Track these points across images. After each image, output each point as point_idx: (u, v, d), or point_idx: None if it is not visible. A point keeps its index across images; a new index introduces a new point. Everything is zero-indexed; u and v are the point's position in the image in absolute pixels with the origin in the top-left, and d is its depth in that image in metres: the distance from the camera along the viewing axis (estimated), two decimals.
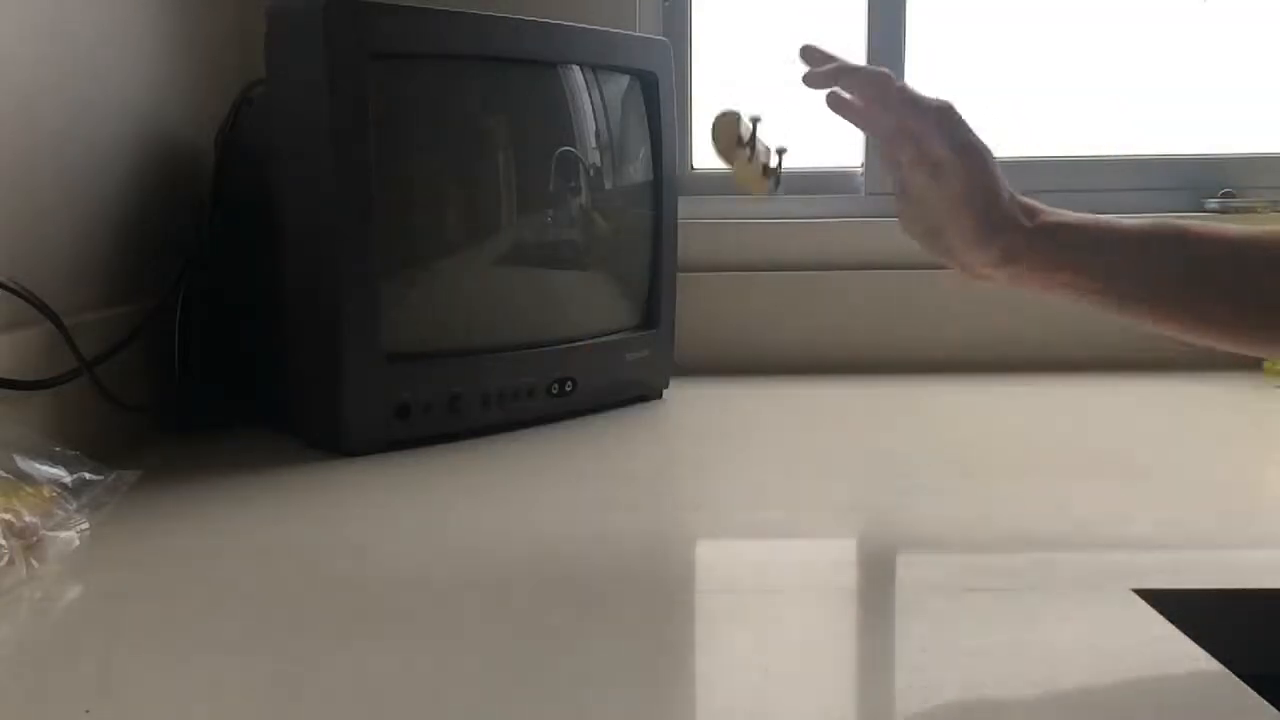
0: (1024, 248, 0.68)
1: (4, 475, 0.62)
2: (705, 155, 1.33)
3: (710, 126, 0.74)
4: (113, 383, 0.84)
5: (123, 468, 0.70)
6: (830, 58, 0.74)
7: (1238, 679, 0.47)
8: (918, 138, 0.69)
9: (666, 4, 1.30)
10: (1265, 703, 0.45)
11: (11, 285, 0.75)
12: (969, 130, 0.70)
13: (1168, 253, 0.67)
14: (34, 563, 0.60)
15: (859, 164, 1.32)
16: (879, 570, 0.64)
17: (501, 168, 0.95)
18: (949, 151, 0.69)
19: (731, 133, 0.73)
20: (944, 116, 0.70)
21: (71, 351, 0.79)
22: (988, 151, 0.70)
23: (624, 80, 1.02)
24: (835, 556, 0.67)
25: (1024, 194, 0.70)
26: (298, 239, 0.88)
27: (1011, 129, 1.33)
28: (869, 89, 0.71)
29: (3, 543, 0.59)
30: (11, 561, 0.59)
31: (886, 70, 0.71)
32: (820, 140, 1.34)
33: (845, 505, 0.76)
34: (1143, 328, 0.69)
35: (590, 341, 1.00)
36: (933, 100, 0.70)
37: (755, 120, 0.75)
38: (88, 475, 0.67)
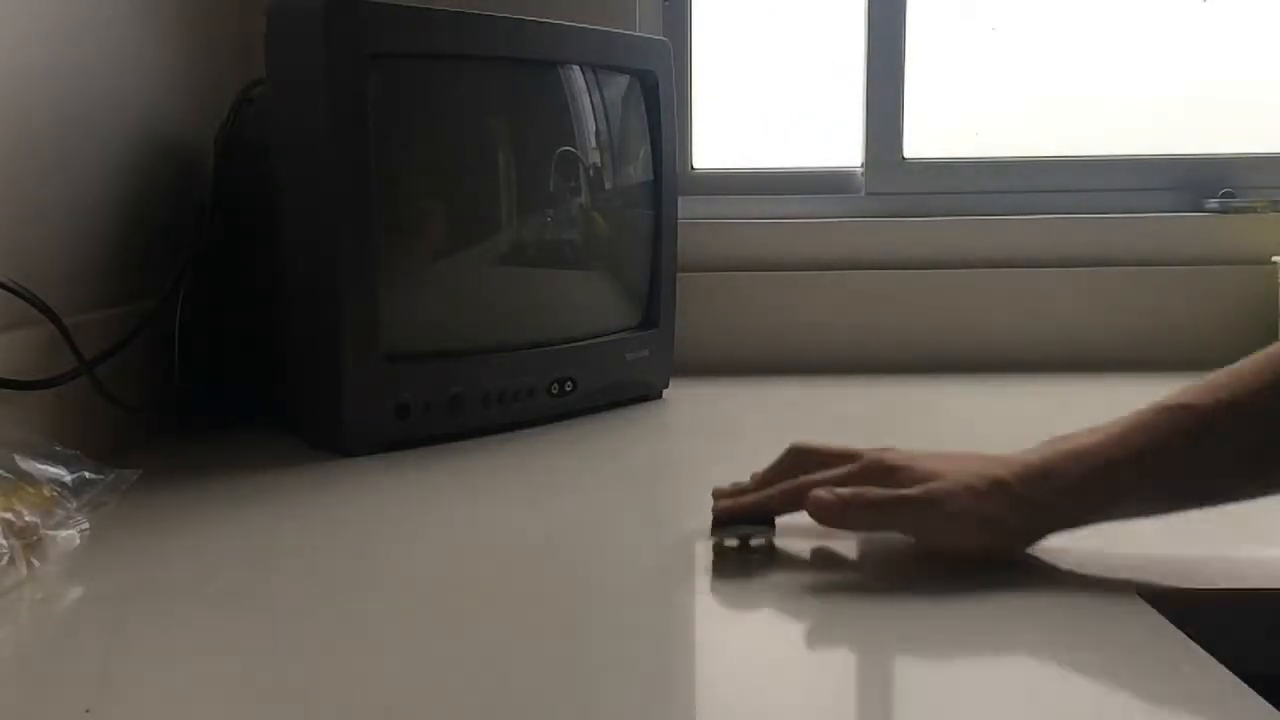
0: (1049, 533, 0.61)
1: (4, 475, 0.62)
2: (705, 155, 1.33)
3: None
4: (113, 383, 0.84)
5: (123, 468, 0.70)
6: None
7: (1238, 679, 0.47)
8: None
9: (666, 4, 1.30)
10: (1266, 703, 0.45)
11: (11, 285, 0.75)
12: (906, 523, 0.62)
13: (1189, 458, 0.58)
14: (34, 562, 0.60)
15: (859, 164, 1.32)
16: (878, 570, 0.64)
17: (501, 168, 0.95)
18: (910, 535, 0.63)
19: None
20: (873, 525, 0.63)
21: (71, 351, 0.79)
22: (939, 510, 0.59)
23: (624, 80, 1.02)
24: (835, 556, 0.67)
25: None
26: (297, 238, 0.88)
27: (1012, 129, 1.34)
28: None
29: (3, 542, 0.59)
30: (12, 561, 0.59)
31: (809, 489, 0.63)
32: (820, 140, 1.34)
33: None
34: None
35: (590, 341, 1.00)
36: (852, 515, 0.62)
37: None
38: (88, 474, 0.67)
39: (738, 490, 0.68)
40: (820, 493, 0.61)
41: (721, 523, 0.65)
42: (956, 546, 0.60)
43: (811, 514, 0.62)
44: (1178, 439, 0.58)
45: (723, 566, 0.62)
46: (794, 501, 0.63)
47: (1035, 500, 0.59)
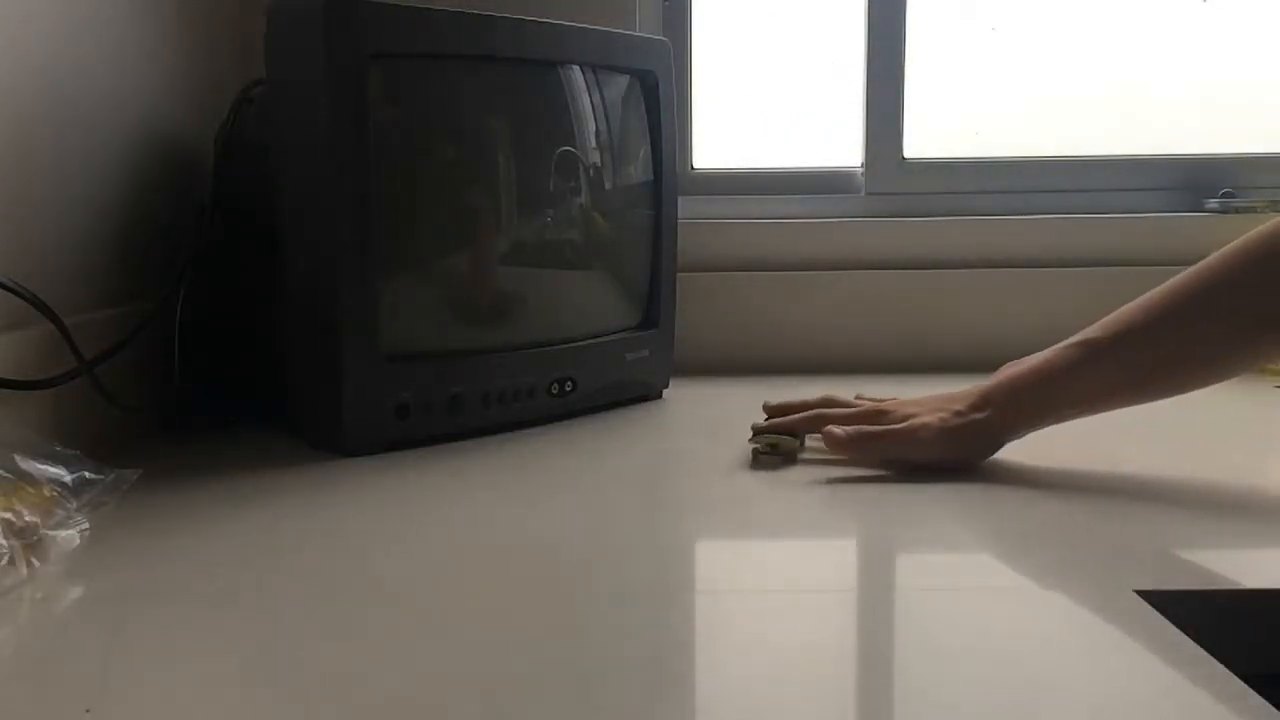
0: (1000, 445, 0.82)
1: (4, 475, 0.62)
2: (705, 155, 1.33)
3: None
4: (112, 383, 0.84)
5: (123, 468, 0.70)
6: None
7: (1238, 679, 0.47)
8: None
9: (666, 4, 1.30)
10: (1265, 703, 0.45)
11: (11, 285, 0.75)
12: (895, 449, 0.82)
13: (1109, 372, 0.78)
14: (34, 562, 0.60)
15: (859, 164, 1.32)
16: (879, 570, 0.64)
17: (501, 168, 0.95)
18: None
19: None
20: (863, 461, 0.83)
21: (71, 351, 0.79)
22: (915, 439, 0.81)
23: (624, 80, 1.02)
24: (835, 556, 0.67)
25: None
26: (297, 239, 0.88)
27: (1012, 129, 1.34)
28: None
29: (3, 542, 0.59)
30: (12, 561, 0.59)
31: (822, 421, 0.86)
32: (820, 140, 1.34)
33: (845, 504, 0.76)
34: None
35: (590, 341, 1.00)
36: (850, 435, 0.82)
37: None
38: (88, 474, 0.67)
39: (784, 407, 0.91)
40: (833, 429, 0.83)
41: (759, 431, 0.88)
42: (932, 461, 0.80)
43: (827, 444, 0.83)
44: (1076, 368, 0.78)
45: (757, 466, 0.84)
46: (812, 427, 0.86)
47: (981, 421, 0.80)
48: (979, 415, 0.80)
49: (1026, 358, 0.82)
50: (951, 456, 0.80)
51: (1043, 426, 0.80)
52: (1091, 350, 0.78)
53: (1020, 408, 0.80)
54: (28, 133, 0.81)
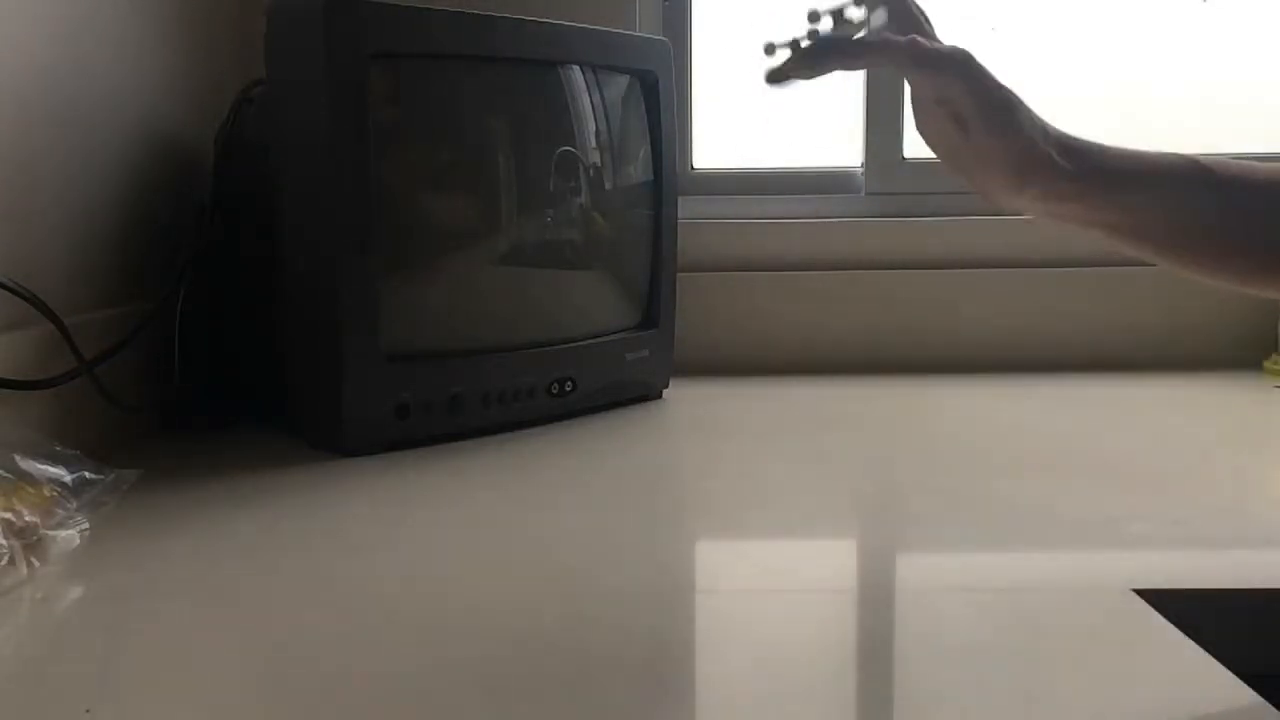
0: (1057, 195, 0.65)
1: (4, 475, 0.62)
2: (705, 155, 1.33)
3: None
4: (112, 383, 0.84)
5: (123, 468, 0.70)
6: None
7: (1238, 679, 0.47)
8: (938, 89, 0.66)
9: (666, 4, 1.30)
10: (1265, 703, 0.45)
11: (11, 285, 0.75)
12: (992, 82, 0.65)
13: (1201, 200, 0.66)
14: (34, 562, 0.60)
15: (859, 164, 1.32)
16: (879, 570, 0.64)
17: (501, 168, 0.95)
18: (974, 109, 0.65)
19: None
20: (964, 71, 0.64)
21: (71, 351, 0.79)
22: (1013, 101, 0.65)
23: (624, 80, 1.02)
24: (835, 556, 0.67)
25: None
26: (297, 238, 0.88)
27: None
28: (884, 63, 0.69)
29: (3, 542, 0.59)
30: (12, 561, 0.59)
31: (897, 41, 0.67)
32: (820, 140, 1.34)
33: (845, 505, 0.76)
34: (1164, 267, 0.68)
35: (590, 341, 1.00)
36: (949, 54, 0.65)
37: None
38: (88, 474, 0.67)
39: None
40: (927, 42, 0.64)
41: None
42: (1010, 147, 0.64)
43: (915, 46, 0.65)
44: (1176, 178, 0.67)
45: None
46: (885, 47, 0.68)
47: (1076, 147, 0.65)
48: (1073, 144, 0.65)
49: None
50: (1023, 163, 0.64)
51: (1091, 207, 0.66)
52: (1201, 171, 0.66)
53: (1104, 171, 0.65)
54: (28, 133, 0.81)
